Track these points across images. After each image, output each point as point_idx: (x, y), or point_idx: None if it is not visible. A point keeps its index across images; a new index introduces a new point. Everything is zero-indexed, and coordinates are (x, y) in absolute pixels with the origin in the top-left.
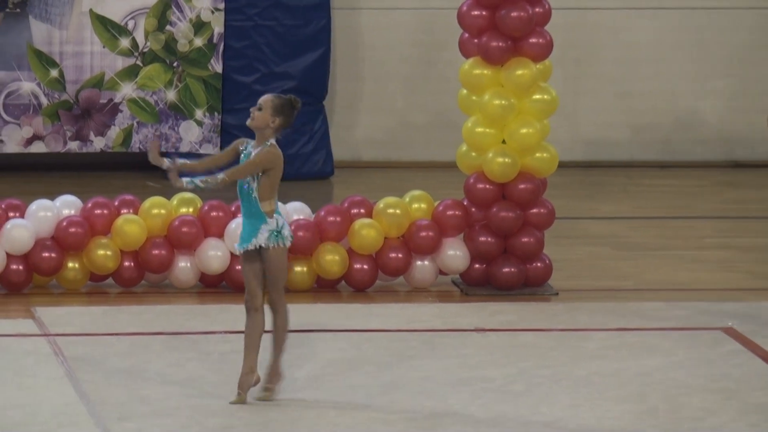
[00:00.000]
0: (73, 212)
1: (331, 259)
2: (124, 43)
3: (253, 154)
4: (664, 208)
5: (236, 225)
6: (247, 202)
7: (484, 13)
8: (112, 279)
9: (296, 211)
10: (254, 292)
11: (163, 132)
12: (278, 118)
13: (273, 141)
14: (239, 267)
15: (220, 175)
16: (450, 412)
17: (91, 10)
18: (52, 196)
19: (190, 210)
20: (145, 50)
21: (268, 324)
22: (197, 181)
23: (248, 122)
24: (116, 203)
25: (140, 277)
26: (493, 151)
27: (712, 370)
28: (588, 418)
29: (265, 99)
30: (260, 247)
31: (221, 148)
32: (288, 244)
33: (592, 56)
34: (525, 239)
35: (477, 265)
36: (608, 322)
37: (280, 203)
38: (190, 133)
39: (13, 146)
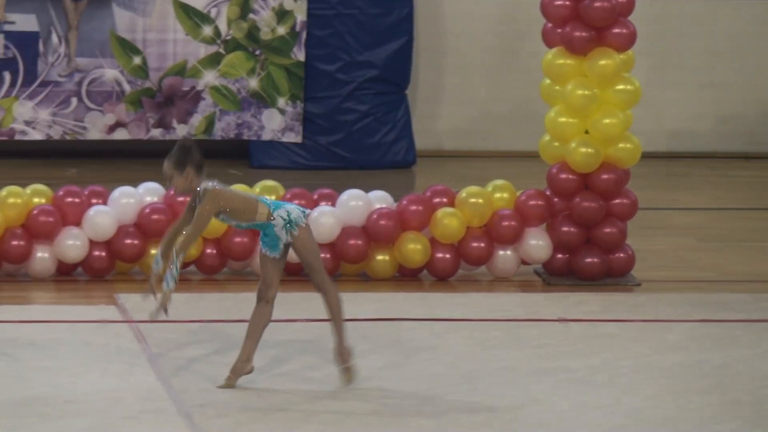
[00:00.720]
0: (155, 199)
1: (414, 248)
2: (207, 30)
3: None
4: (747, 200)
5: (318, 213)
6: (247, 229)
7: (567, 2)
8: (194, 266)
9: (378, 200)
10: (270, 283)
11: (246, 120)
12: (187, 169)
13: (204, 185)
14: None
15: (180, 255)
16: (532, 402)
17: None
18: (134, 183)
19: (273, 198)
20: (228, 38)
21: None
22: (171, 278)
23: (176, 194)
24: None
25: (222, 265)
26: (575, 141)
27: None
28: (669, 410)
29: (165, 167)
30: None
31: (303, 137)
32: (303, 222)
33: (676, 47)
34: (608, 230)
35: (559, 255)
36: (691, 314)
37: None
38: (273, 122)
39: (96, 133)
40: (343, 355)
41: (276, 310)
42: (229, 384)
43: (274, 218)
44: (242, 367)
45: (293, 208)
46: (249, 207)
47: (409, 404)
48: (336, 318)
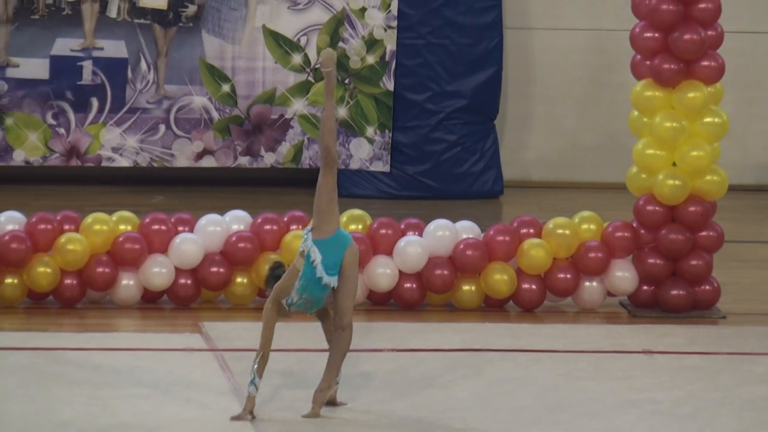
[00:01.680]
0: (242, 227)
1: (500, 278)
2: (296, 59)
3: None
4: None
5: (405, 243)
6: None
7: (656, 35)
8: None
9: (465, 230)
10: (339, 311)
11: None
12: (271, 287)
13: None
14: (407, 285)
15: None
16: None
17: (264, 26)
18: (221, 211)
19: (360, 227)
20: (317, 66)
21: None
22: (253, 385)
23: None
24: (286, 219)
25: None
26: (663, 174)
27: None
28: None
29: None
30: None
31: (391, 166)
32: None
33: (765, 79)
34: (694, 262)
35: (645, 287)
36: None
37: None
38: (361, 151)
39: (183, 160)
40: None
41: (366, 341)
42: (314, 413)
43: (302, 251)
44: (323, 395)
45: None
46: (292, 272)
47: None
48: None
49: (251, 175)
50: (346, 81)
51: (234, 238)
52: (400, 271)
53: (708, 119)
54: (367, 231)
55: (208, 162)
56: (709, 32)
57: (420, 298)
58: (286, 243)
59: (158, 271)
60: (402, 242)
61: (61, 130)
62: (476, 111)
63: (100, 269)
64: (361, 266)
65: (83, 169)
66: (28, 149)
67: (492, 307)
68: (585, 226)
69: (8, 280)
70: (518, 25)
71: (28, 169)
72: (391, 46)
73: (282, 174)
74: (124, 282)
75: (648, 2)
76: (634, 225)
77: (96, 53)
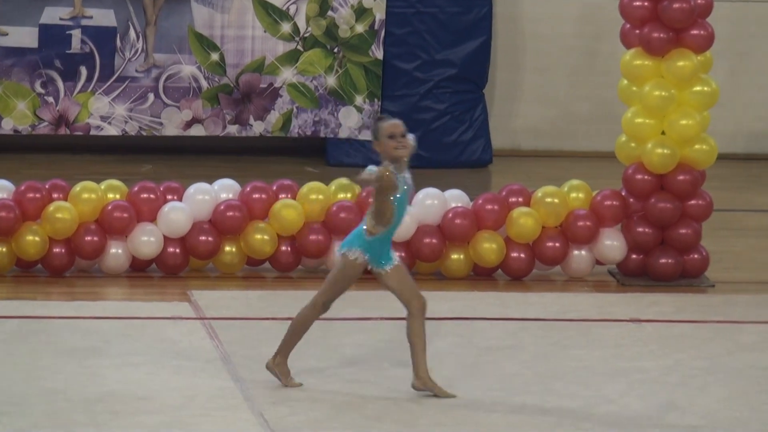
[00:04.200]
0: (231, 196)
1: (489, 247)
2: (286, 27)
3: (409, 177)
4: None
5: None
6: (397, 226)
7: (646, 3)
8: (268, 263)
9: (454, 198)
10: (415, 293)
11: (323, 117)
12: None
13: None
14: (396, 253)
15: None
16: (605, 402)
17: None
18: (210, 180)
19: (348, 196)
20: (306, 35)
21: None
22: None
23: (403, 152)
24: (274, 188)
25: (297, 262)
26: (652, 142)
27: None
28: (742, 411)
29: (402, 124)
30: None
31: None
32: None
33: (755, 48)
34: (683, 231)
35: (634, 256)
36: (764, 315)
37: None
38: (350, 119)
39: (172, 129)
40: None
41: (351, 309)
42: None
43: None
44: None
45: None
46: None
47: (482, 403)
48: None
49: (240, 144)
50: (335, 50)
51: (222, 207)
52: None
53: (697, 88)
54: (356, 199)
55: (196, 131)
56: (699, 0)
57: (409, 266)
58: (274, 211)
59: (147, 240)
60: None
61: (50, 99)
62: (465, 80)
63: (88, 238)
64: None
65: (72, 138)
66: (17, 118)
67: (481, 276)
68: (574, 195)
69: None
70: None
71: (17, 137)
72: (380, 14)
73: (271, 143)
74: (113, 250)
75: None
76: (623, 194)
77: (85, 22)
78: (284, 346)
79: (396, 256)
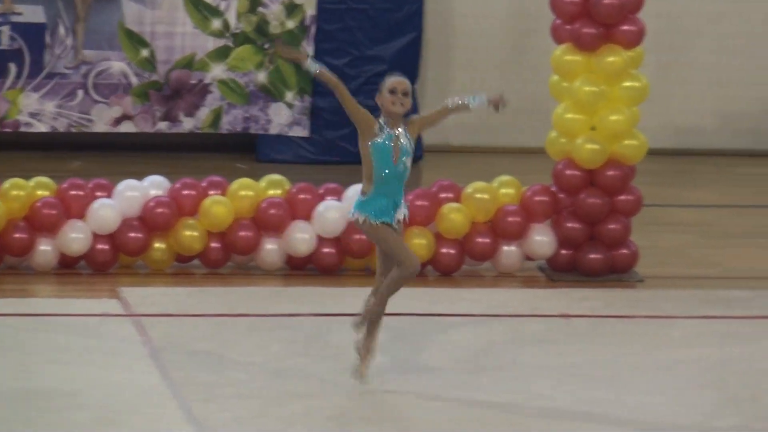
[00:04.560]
0: (160, 193)
1: (419, 243)
2: (216, 24)
3: (401, 134)
4: (753, 197)
5: (324, 208)
6: (399, 183)
7: None
8: (198, 260)
9: None
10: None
11: (253, 114)
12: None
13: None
14: (326, 250)
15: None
16: (534, 398)
17: None
18: (140, 177)
19: (279, 192)
20: (237, 31)
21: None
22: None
23: (398, 109)
24: (204, 184)
25: (226, 259)
26: (582, 138)
27: None
28: (670, 405)
29: (407, 84)
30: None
31: (310, 131)
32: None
33: (685, 44)
34: (612, 226)
35: (563, 251)
36: (693, 310)
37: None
38: (280, 116)
39: (102, 126)
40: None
41: (279, 306)
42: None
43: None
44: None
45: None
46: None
47: (410, 400)
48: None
49: (170, 141)
50: (266, 46)
51: (152, 204)
52: (318, 236)
53: (627, 83)
54: (286, 196)
55: (126, 127)
56: None
57: (338, 262)
58: (204, 208)
59: (76, 237)
60: (321, 207)
61: None
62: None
63: (17, 234)
64: (279, 231)
65: (1, 135)
66: None
67: None
68: (504, 191)
69: None
70: None
71: None
72: (311, 10)
73: (201, 139)
74: (42, 247)
75: None
76: (553, 189)
77: (14, 18)
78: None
79: (399, 216)
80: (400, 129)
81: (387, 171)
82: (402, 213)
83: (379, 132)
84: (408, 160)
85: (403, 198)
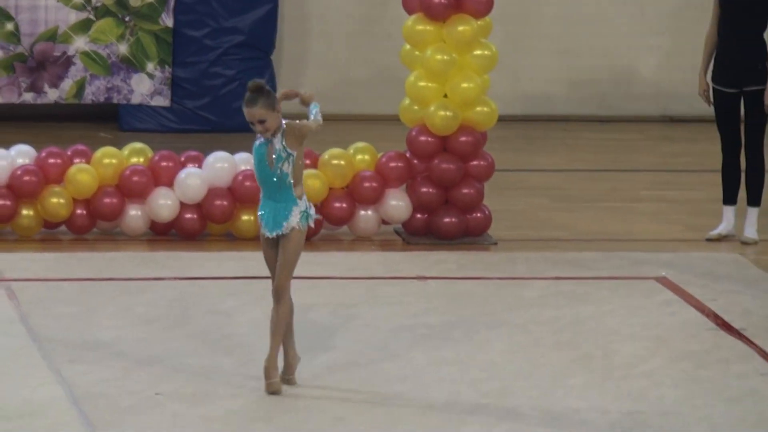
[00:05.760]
0: (27, 161)
1: None
2: None
3: (276, 141)
4: (601, 161)
5: (186, 174)
6: (277, 189)
7: None
8: (64, 226)
9: (244, 161)
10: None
11: (116, 84)
12: (277, 107)
13: (284, 121)
14: (188, 216)
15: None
16: (391, 357)
17: None
18: (6, 146)
19: (141, 160)
20: (98, 5)
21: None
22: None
23: (265, 135)
24: (69, 153)
25: (92, 225)
26: (434, 105)
27: (646, 318)
28: (523, 364)
29: (256, 112)
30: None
31: (171, 101)
32: (312, 223)
33: (533, 14)
34: (465, 190)
35: (419, 215)
36: (545, 271)
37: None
38: (142, 86)
39: None
40: (289, 366)
41: (148, 270)
42: (275, 389)
43: (302, 199)
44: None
45: (311, 206)
46: (302, 167)
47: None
48: (280, 328)
49: (35, 111)
50: (127, 19)
51: (19, 172)
52: (180, 202)
53: (477, 52)
54: (149, 163)
55: None
56: None
57: (201, 227)
58: (70, 176)
59: None
60: (182, 174)
61: None
62: (253, 47)
63: None
64: (143, 198)
65: None
66: None
67: None
68: (359, 157)
69: None
70: None
71: None
72: None
73: (65, 109)
74: None
75: None
76: (408, 155)
77: None
78: None
79: (288, 225)
80: (276, 137)
81: (264, 176)
82: (288, 223)
83: (258, 135)
84: (285, 166)
85: (295, 205)
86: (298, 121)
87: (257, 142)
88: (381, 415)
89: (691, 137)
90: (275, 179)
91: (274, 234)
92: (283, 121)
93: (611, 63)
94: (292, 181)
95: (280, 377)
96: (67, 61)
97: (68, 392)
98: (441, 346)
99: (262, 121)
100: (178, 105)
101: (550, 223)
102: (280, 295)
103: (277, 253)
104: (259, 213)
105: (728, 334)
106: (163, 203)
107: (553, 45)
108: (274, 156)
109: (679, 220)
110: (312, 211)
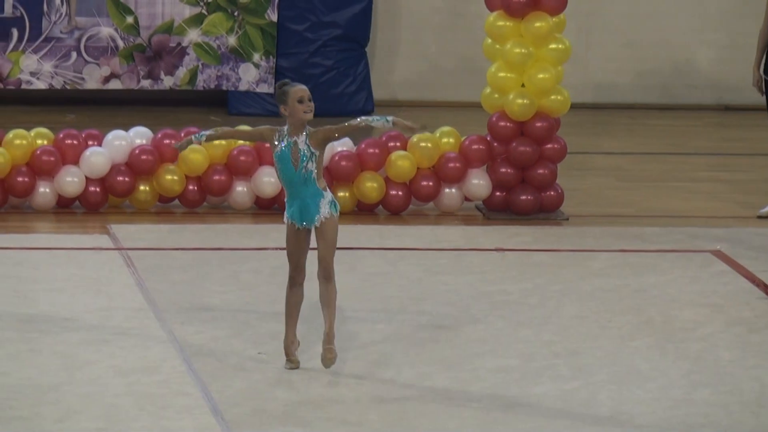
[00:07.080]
0: (144, 142)
1: (371, 186)
2: None
3: (301, 141)
4: (662, 145)
5: None
6: (303, 185)
7: None
8: (178, 201)
9: (340, 143)
10: (302, 268)
11: (225, 72)
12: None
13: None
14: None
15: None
16: (472, 321)
17: None
18: (126, 128)
19: (247, 142)
20: (210, 1)
21: (313, 294)
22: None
23: (309, 116)
24: (182, 134)
25: (202, 200)
26: (513, 93)
27: (702, 287)
28: (592, 328)
29: (308, 91)
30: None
31: (275, 88)
32: (337, 211)
33: (602, 10)
34: (540, 171)
35: (498, 193)
36: (612, 244)
37: None
38: (248, 74)
39: (92, 83)
40: (331, 339)
41: (254, 240)
42: (294, 365)
43: (327, 191)
44: (291, 348)
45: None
46: (322, 164)
47: (364, 323)
48: (333, 307)
49: (152, 96)
50: (235, 13)
51: (137, 151)
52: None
53: (552, 46)
54: (254, 145)
55: (114, 84)
56: None
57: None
58: (183, 155)
59: (71, 180)
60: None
61: None
62: (350, 39)
63: (20, 178)
64: (249, 175)
65: (5, 92)
66: None
67: (363, 211)
68: (445, 140)
69: None
70: None
71: None
72: None
73: (179, 95)
74: (41, 189)
75: None
76: (488, 139)
77: None
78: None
79: (320, 217)
80: (300, 137)
81: (289, 176)
82: (320, 215)
83: (278, 141)
84: (310, 165)
85: (321, 197)
86: (323, 127)
87: (278, 151)
88: (464, 372)
89: (744, 124)
90: (301, 177)
91: (304, 225)
92: (307, 127)
93: (673, 55)
94: (315, 178)
95: (326, 348)
96: (182, 52)
97: (180, 351)
98: (517, 311)
99: (311, 99)
100: None
101: (616, 201)
102: (331, 274)
103: (305, 243)
104: (286, 215)
105: None
106: (267, 180)
107: (620, 39)
108: (299, 155)
109: (732, 199)
110: (336, 200)
